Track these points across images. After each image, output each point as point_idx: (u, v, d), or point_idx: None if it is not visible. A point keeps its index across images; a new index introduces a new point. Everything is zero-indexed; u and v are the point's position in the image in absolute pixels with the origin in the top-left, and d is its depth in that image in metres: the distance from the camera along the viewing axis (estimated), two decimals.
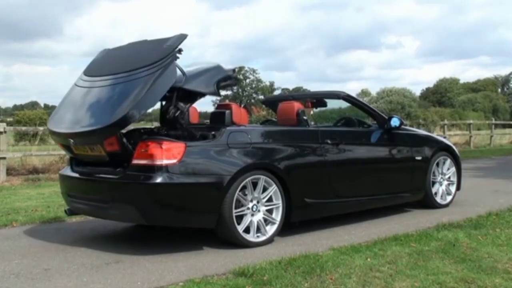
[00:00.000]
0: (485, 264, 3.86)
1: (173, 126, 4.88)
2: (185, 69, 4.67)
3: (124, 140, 4.46)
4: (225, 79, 4.90)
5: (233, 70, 5.01)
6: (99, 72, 4.88)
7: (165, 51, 4.48)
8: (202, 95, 4.94)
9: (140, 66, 4.46)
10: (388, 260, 4.01)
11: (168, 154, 4.26)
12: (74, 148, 4.76)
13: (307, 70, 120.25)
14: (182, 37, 4.58)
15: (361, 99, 6.82)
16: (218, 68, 4.90)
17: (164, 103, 4.95)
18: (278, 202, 4.75)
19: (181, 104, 4.77)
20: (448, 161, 6.51)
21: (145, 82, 4.30)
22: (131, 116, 4.20)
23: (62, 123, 4.76)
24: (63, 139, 4.76)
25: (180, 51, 4.53)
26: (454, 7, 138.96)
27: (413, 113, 21.12)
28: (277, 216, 4.75)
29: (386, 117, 5.97)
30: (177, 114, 4.74)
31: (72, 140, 4.60)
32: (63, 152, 10.66)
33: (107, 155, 4.47)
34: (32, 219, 5.93)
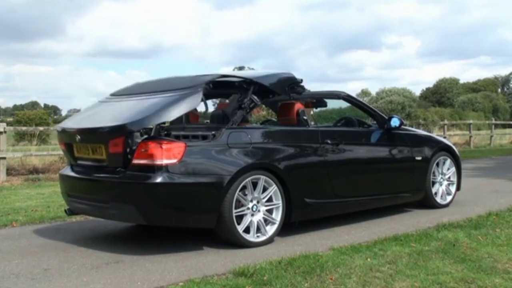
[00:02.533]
0: (485, 264, 3.86)
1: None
2: (261, 71, 5.38)
3: (129, 140, 4.45)
4: (294, 84, 5.30)
5: (301, 80, 5.41)
6: (125, 93, 5.26)
7: (196, 81, 4.77)
8: (274, 93, 5.21)
9: (165, 89, 4.77)
10: (388, 260, 4.01)
11: (168, 154, 4.26)
12: (76, 149, 4.81)
13: (307, 70, 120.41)
14: (216, 76, 4.92)
15: (361, 99, 6.81)
16: (290, 74, 5.34)
17: (239, 95, 5.07)
18: (278, 202, 4.75)
19: (255, 97, 4.97)
20: (448, 161, 6.51)
21: (165, 100, 4.51)
22: (140, 123, 4.30)
23: (73, 123, 5.19)
24: (70, 136, 4.88)
25: (210, 83, 4.73)
26: (454, 7, 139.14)
27: (413, 113, 21.14)
28: (277, 216, 4.75)
29: (386, 117, 5.97)
30: (251, 105, 4.93)
31: (78, 137, 4.68)
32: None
33: (107, 157, 4.48)
34: (32, 219, 5.93)
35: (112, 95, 5.39)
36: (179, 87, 4.70)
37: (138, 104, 4.69)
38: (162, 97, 4.61)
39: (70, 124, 5.20)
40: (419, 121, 19.66)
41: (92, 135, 4.69)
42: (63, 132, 5.03)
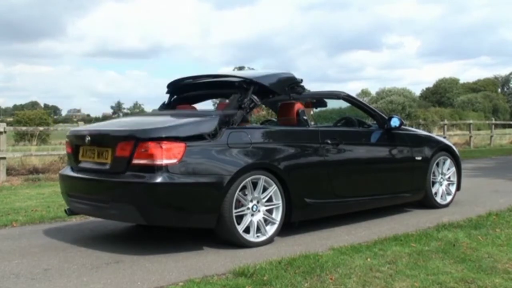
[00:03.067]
0: (485, 264, 3.86)
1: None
2: (261, 71, 5.45)
3: (135, 147, 4.45)
4: (294, 84, 5.33)
5: (301, 80, 5.44)
6: (146, 114, 5.68)
7: (214, 112, 4.95)
8: (274, 93, 5.24)
9: (186, 114, 4.98)
10: (388, 260, 4.01)
11: (168, 154, 4.26)
12: (82, 152, 4.86)
13: (307, 70, 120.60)
14: (233, 112, 4.95)
15: (361, 99, 6.81)
16: (290, 74, 5.38)
17: (239, 95, 5.07)
18: (278, 202, 4.75)
19: (255, 97, 5.00)
20: (448, 161, 6.51)
21: (181, 120, 4.68)
22: (149, 133, 4.35)
23: (86, 127, 5.55)
24: (79, 138, 4.94)
25: (228, 116, 4.73)
26: (454, 7, 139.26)
27: (413, 113, 21.13)
28: (277, 216, 4.75)
29: (386, 117, 5.96)
30: (251, 105, 4.95)
31: (88, 138, 4.75)
32: (63, 152, 10.65)
33: (112, 161, 4.50)
34: (32, 219, 5.93)
35: (130, 114, 5.66)
36: (199, 114, 4.90)
37: (154, 119, 4.90)
38: (179, 118, 4.81)
39: (84, 127, 5.57)
40: (419, 121, 19.65)
41: (102, 137, 4.78)
42: (74, 134, 5.13)
